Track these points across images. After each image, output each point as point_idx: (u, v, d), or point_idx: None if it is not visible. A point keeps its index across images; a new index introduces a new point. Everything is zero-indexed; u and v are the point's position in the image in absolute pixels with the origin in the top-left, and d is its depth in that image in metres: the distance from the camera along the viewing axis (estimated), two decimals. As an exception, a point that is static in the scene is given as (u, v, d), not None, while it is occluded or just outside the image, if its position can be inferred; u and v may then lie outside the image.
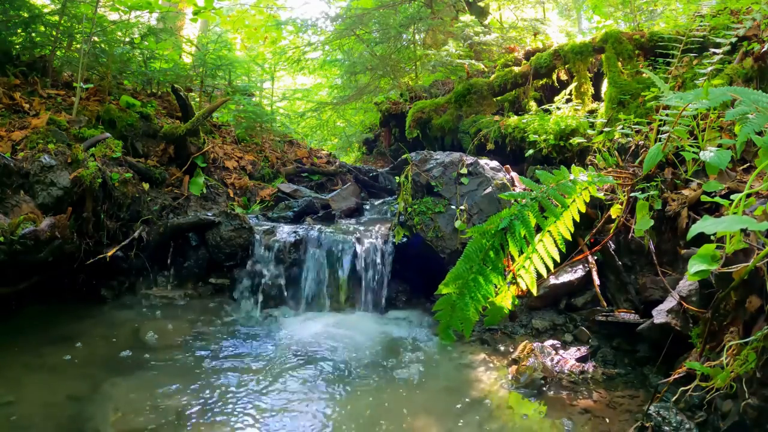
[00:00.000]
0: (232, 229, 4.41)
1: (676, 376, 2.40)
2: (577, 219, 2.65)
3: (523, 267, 2.57)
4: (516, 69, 6.78)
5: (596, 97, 5.94)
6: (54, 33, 5.29)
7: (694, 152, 2.71)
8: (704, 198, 2.40)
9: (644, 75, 4.76)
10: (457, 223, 4.13)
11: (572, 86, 6.04)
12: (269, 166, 6.64)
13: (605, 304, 3.36)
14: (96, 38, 5.22)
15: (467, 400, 2.73)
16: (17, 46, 5.33)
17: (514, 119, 6.02)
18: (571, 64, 6.01)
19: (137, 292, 4.22)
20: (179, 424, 2.47)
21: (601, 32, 5.75)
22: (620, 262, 3.36)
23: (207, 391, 2.79)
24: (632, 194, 3.17)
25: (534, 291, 2.62)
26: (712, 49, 4.00)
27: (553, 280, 3.62)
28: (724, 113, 2.87)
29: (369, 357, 3.30)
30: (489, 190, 4.30)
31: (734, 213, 1.96)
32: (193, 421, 2.51)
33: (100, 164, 4.12)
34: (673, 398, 2.30)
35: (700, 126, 3.05)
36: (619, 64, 5.27)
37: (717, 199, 2.26)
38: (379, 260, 4.25)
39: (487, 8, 9.72)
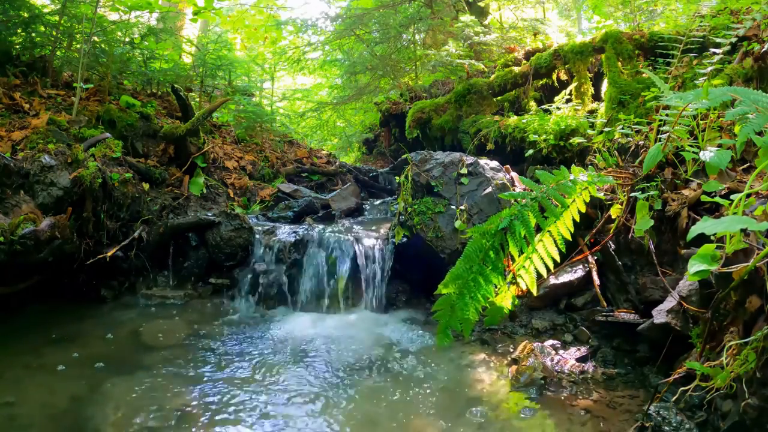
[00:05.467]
0: (232, 229, 4.41)
1: (676, 376, 2.40)
2: (577, 219, 2.65)
3: (523, 267, 2.57)
4: (516, 69, 6.78)
5: (596, 97, 5.94)
6: (54, 33, 5.29)
7: (694, 152, 2.71)
8: (704, 198, 2.40)
9: (644, 75, 4.76)
10: (457, 223, 4.13)
11: (572, 86, 6.04)
12: (269, 166, 6.64)
13: (605, 304, 3.36)
14: (96, 38, 5.22)
15: (467, 400, 2.73)
16: (17, 46, 5.33)
17: (514, 119, 6.02)
18: (571, 64, 6.01)
19: (137, 292, 4.22)
20: (179, 424, 2.47)
21: (601, 32, 5.75)
22: (620, 262, 3.36)
23: (207, 391, 2.79)
24: (632, 194, 3.17)
25: (534, 291, 2.62)
26: (712, 49, 4.00)
27: (553, 280, 3.62)
28: (724, 113, 2.87)
29: (369, 357, 3.30)
30: (489, 190, 4.30)
31: (734, 213, 1.96)
32: (194, 420, 2.51)
33: (100, 164, 4.12)
34: (673, 398, 2.30)
35: (700, 126, 3.05)
36: (619, 64, 5.27)
37: (717, 199, 2.26)
38: (379, 260, 4.25)
39: (487, 8, 9.72)
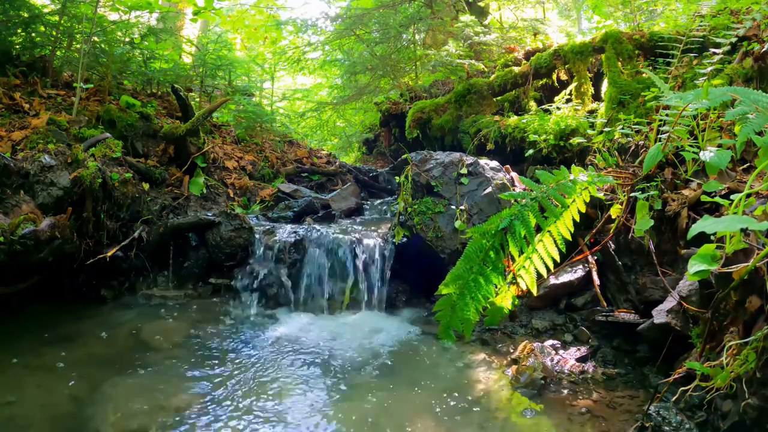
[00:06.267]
0: (232, 229, 4.41)
1: (676, 376, 2.40)
2: (577, 219, 2.65)
3: (523, 267, 2.57)
4: (516, 69, 6.78)
5: (596, 97, 5.94)
6: (54, 33, 5.29)
7: (694, 152, 2.71)
8: (704, 198, 2.40)
9: (644, 75, 4.76)
10: (457, 223, 4.13)
11: (572, 86, 6.04)
12: (269, 166, 6.64)
13: (605, 304, 3.36)
14: (96, 38, 5.22)
15: (467, 400, 2.73)
16: (17, 46, 5.33)
17: (514, 119, 6.02)
18: (571, 64, 6.01)
19: (137, 292, 4.22)
20: (179, 424, 2.47)
21: (601, 32, 5.75)
22: (620, 262, 3.36)
23: (207, 391, 2.79)
24: (632, 194, 3.17)
25: (534, 291, 2.62)
26: (712, 49, 4.00)
27: (553, 280, 3.62)
28: (724, 113, 2.87)
29: (369, 357, 3.30)
30: (489, 190, 4.30)
31: (734, 213, 1.96)
32: (193, 421, 2.51)
33: (100, 164, 4.12)
34: (673, 398, 2.30)
35: (700, 126, 3.05)
36: (619, 64, 5.27)
37: (717, 199, 2.26)
38: (379, 260, 4.24)
39: (487, 8, 9.72)
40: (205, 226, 4.46)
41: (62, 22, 5.26)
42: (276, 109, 9.13)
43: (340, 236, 4.38)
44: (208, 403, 2.67)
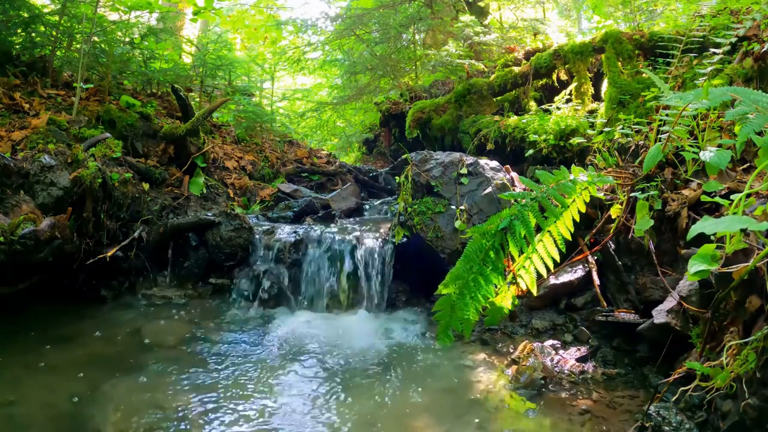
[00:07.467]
0: (232, 229, 4.41)
1: (676, 376, 2.40)
2: (577, 219, 2.65)
3: (523, 267, 2.57)
4: (516, 69, 6.78)
5: (596, 97, 5.94)
6: (54, 33, 5.29)
7: (694, 152, 2.71)
8: (704, 198, 2.40)
9: (644, 75, 4.76)
10: (457, 223, 4.13)
11: (572, 86, 6.04)
12: (269, 166, 6.64)
13: (605, 304, 3.36)
14: (96, 38, 5.22)
15: (467, 400, 2.73)
16: (17, 46, 5.33)
17: (514, 119, 6.02)
18: (571, 64, 6.01)
19: (137, 292, 4.22)
20: (179, 424, 2.47)
21: (601, 32, 5.75)
22: (620, 262, 3.36)
23: (207, 391, 2.79)
24: (632, 194, 3.17)
25: (534, 291, 2.62)
26: (712, 49, 4.00)
27: (553, 280, 3.62)
28: (724, 113, 2.87)
29: (369, 357, 3.30)
30: (489, 190, 4.30)
31: (734, 213, 1.96)
32: (193, 420, 2.51)
33: (100, 164, 4.12)
34: (673, 398, 2.30)
35: (700, 126, 3.05)
36: (619, 64, 5.27)
37: (717, 199, 2.26)
38: (378, 260, 4.24)
39: (487, 8, 9.73)
40: (205, 226, 4.46)
41: (62, 22, 5.25)
42: (276, 109, 9.13)
43: (340, 236, 4.38)
44: (208, 403, 2.67)
